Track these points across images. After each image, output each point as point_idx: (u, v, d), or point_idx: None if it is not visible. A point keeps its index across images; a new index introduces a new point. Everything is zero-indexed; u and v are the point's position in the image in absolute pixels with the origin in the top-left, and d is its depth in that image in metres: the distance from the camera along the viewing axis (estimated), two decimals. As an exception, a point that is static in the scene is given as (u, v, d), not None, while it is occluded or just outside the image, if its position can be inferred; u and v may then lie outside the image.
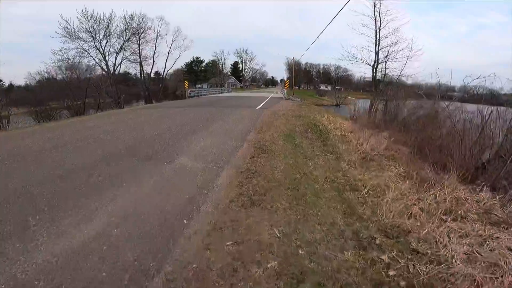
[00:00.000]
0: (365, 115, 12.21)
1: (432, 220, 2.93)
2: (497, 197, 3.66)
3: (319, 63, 76.61)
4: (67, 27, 21.25)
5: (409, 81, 17.28)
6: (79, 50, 22.38)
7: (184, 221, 2.57)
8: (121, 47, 25.25)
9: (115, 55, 25.12)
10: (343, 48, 35.32)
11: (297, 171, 3.97)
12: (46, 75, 22.11)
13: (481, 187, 3.78)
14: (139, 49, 27.81)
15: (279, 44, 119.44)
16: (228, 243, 2.28)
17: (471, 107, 7.28)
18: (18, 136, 6.33)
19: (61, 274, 1.91)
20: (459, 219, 3.08)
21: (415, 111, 10.35)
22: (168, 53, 32.55)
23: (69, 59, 21.66)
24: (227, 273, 1.98)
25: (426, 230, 2.75)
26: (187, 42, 34.17)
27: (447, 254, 2.49)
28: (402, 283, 2.10)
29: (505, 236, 2.83)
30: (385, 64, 17.99)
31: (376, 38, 17.77)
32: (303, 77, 73.62)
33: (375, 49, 17.92)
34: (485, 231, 2.94)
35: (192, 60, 61.11)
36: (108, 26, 23.72)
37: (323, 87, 64.67)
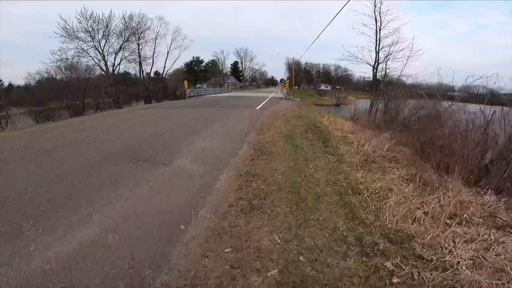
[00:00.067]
0: (366, 115, 12.13)
1: (437, 225, 2.85)
2: (502, 200, 3.59)
3: (319, 63, 76.64)
4: (66, 27, 21.21)
5: (409, 81, 17.25)
6: (78, 50, 22.34)
7: (182, 226, 2.50)
8: (120, 47, 25.20)
9: (114, 55, 25.08)
10: (344, 48, 35.36)
11: (297, 174, 3.89)
12: (45, 75, 22.09)
13: (485, 190, 3.70)
14: (138, 49, 27.78)
15: (279, 44, 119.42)
16: (226, 250, 2.21)
17: (471, 107, 7.21)
18: (16, 137, 6.29)
19: (52, 282, 1.84)
20: (464, 223, 3.01)
21: (416, 111, 10.26)
22: (168, 53, 32.52)
23: (68, 59, 21.63)
24: (226, 282, 1.91)
25: (431, 235, 2.68)
26: (186, 42, 34.12)
27: (453, 260, 2.42)
28: (407, 292, 2.03)
29: (510, 240, 2.77)
30: (386, 64, 17.96)
31: (376, 37, 17.71)
32: (303, 77, 73.57)
33: (376, 49, 17.86)
34: (490, 236, 2.87)
35: (192, 60, 61.08)
36: (107, 26, 23.69)
37: (323, 87, 64.65)
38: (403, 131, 8.69)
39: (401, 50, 16.72)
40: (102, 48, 23.89)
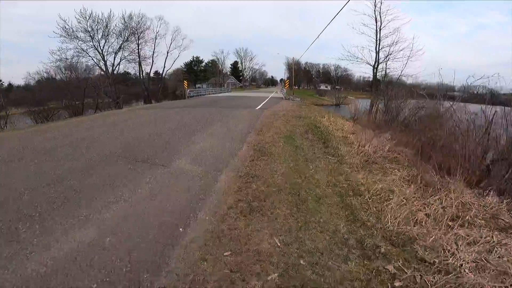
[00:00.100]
0: (366, 115, 12.09)
1: (439, 227, 2.82)
2: (504, 202, 3.56)
3: (318, 63, 76.72)
4: (65, 27, 21.13)
5: (409, 81, 17.22)
6: (78, 50, 22.26)
7: (180, 229, 2.46)
8: (120, 47, 25.12)
9: (113, 55, 24.99)
10: (344, 47, 35.39)
11: (298, 175, 3.86)
12: (45, 75, 22.04)
13: (487, 191, 3.66)
14: (138, 49, 27.72)
15: (279, 44, 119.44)
16: (226, 253, 2.17)
17: (471, 107, 7.18)
18: (15, 137, 6.26)
19: (48, 286, 1.80)
20: (466, 225, 2.97)
21: (416, 111, 10.22)
22: (167, 52, 32.48)
23: (67, 59, 21.55)
24: (225, 286, 1.88)
25: (433, 237, 2.64)
26: (186, 42, 34.09)
27: (455, 263, 2.39)
28: (409, 296, 2.00)
29: (513, 242, 2.74)
30: (386, 64, 17.92)
31: (376, 37, 17.67)
32: (302, 76, 73.57)
33: (376, 49, 17.81)
34: (493, 238, 2.84)
35: (191, 60, 61.06)
36: (106, 26, 23.60)
37: (322, 87, 64.67)
38: (404, 131, 8.65)
39: (401, 50, 16.71)
40: (102, 48, 23.84)
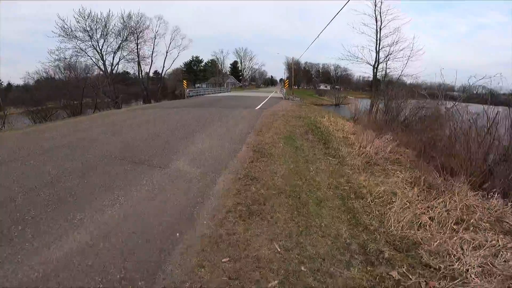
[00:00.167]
0: (366, 115, 12.01)
1: (443, 231, 2.74)
2: (508, 204, 3.48)
3: (318, 63, 76.66)
4: (64, 27, 20.99)
5: (409, 81, 17.17)
6: (76, 49, 22.12)
7: (177, 234, 2.38)
8: (119, 47, 24.99)
9: (112, 55, 24.85)
10: (344, 47, 35.37)
11: (298, 177, 3.78)
12: (44, 74, 21.90)
13: (492, 193, 3.59)
14: (137, 49, 27.65)
15: (279, 44, 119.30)
16: (224, 260, 2.10)
17: (471, 107, 7.13)
18: (13, 137, 6.20)
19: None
20: (471, 229, 2.90)
21: (417, 112, 10.16)
22: (167, 52, 32.43)
23: (65, 58, 21.40)
24: (223, 295, 1.80)
25: (438, 241, 2.56)
26: (185, 42, 34.06)
27: (461, 268, 2.32)
28: (414, 304, 1.92)
29: (519, 246, 2.67)
30: (386, 64, 17.87)
31: (376, 37, 17.61)
32: (302, 76, 73.49)
33: (376, 49, 17.76)
34: (498, 241, 2.77)
35: (191, 59, 61.00)
36: (105, 25, 23.45)
37: (322, 87, 64.63)
38: (404, 131, 8.58)
39: (402, 49, 16.67)
40: (101, 48, 23.69)
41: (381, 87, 16.58)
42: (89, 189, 3.21)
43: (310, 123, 8.49)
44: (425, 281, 2.16)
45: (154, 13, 52.92)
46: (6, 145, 5.39)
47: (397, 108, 10.75)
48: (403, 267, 2.24)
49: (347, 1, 9.54)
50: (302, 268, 2.08)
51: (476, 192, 3.67)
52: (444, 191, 3.41)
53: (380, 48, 17.61)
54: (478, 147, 5.21)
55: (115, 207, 2.81)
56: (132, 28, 26.24)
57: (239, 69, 70.58)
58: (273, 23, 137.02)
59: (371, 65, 18.22)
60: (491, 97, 7.06)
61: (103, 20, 23.18)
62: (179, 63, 54.60)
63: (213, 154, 4.71)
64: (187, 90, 23.62)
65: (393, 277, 2.14)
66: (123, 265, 2.01)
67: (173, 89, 38.47)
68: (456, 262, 2.37)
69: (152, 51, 29.98)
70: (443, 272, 2.25)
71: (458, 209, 3.08)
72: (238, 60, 69.83)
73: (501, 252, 2.60)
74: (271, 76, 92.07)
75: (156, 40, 29.90)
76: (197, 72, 61.22)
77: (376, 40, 17.63)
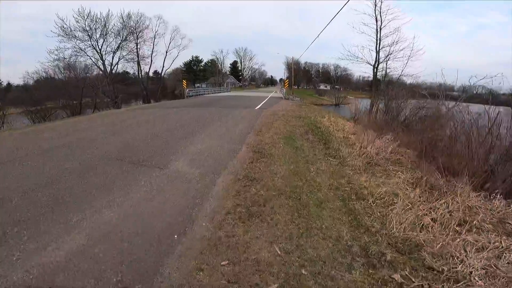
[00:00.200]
0: (366, 115, 11.98)
1: (446, 232, 2.71)
2: (511, 205, 3.45)
3: (318, 63, 76.50)
4: (63, 26, 20.92)
5: (410, 81, 17.14)
6: (76, 49, 22.05)
7: (175, 236, 2.34)
8: (118, 46, 24.90)
9: (112, 54, 24.77)
10: (344, 47, 35.27)
11: (298, 178, 3.73)
12: (44, 74, 21.82)
13: (494, 194, 3.55)
14: (136, 48, 27.59)
15: (279, 44, 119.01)
16: (223, 263, 2.05)
17: (471, 107, 7.10)
18: (12, 137, 6.17)
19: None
20: (474, 230, 2.86)
21: (417, 111, 10.14)
22: (166, 52, 32.39)
23: (65, 58, 21.33)
24: (222, 299, 1.76)
25: (441, 243, 2.53)
26: (185, 41, 34.00)
27: (465, 271, 2.28)
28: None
29: (522, 248, 2.63)
30: (386, 64, 17.83)
31: (377, 37, 17.58)
32: (302, 76, 73.40)
33: (376, 48, 17.73)
34: (501, 243, 2.74)
35: (191, 59, 60.90)
36: (105, 25, 23.38)
37: (322, 87, 64.56)
38: (405, 131, 8.54)
39: (402, 49, 16.64)
40: (100, 47, 23.60)
41: (381, 87, 16.55)
42: (87, 190, 3.17)
43: (310, 123, 8.45)
44: (428, 284, 2.13)
45: (153, 13, 53.06)
46: (4, 145, 5.35)
47: (397, 108, 10.72)
48: (406, 270, 2.20)
49: (347, 1, 9.52)
50: (303, 271, 2.04)
51: (478, 193, 3.64)
52: (446, 192, 3.38)
53: (380, 48, 17.60)
54: (480, 147, 5.18)
55: (113, 208, 2.77)
56: (132, 28, 26.21)
57: (239, 69, 70.53)
58: (273, 23, 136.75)
59: (371, 65, 18.21)
60: (492, 97, 7.04)
61: (102, 19, 23.14)
62: (178, 63, 54.55)
63: (212, 154, 4.67)
64: (187, 90, 23.58)
65: (395, 280, 2.10)
66: (119, 268, 1.97)
67: (172, 89, 38.44)
68: (460, 264, 2.33)
69: (152, 51, 29.97)
70: (447, 275, 2.21)
71: (461, 210, 3.05)
72: (238, 60, 69.84)
73: (504, 254, 2.57)
74: (271, 76, 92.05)
75: (155, 40, 29.90)
76: (197, 72, 61.14)
77: (376, 40, 17.62)
